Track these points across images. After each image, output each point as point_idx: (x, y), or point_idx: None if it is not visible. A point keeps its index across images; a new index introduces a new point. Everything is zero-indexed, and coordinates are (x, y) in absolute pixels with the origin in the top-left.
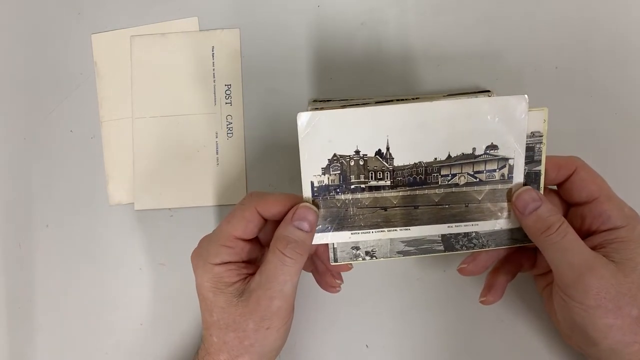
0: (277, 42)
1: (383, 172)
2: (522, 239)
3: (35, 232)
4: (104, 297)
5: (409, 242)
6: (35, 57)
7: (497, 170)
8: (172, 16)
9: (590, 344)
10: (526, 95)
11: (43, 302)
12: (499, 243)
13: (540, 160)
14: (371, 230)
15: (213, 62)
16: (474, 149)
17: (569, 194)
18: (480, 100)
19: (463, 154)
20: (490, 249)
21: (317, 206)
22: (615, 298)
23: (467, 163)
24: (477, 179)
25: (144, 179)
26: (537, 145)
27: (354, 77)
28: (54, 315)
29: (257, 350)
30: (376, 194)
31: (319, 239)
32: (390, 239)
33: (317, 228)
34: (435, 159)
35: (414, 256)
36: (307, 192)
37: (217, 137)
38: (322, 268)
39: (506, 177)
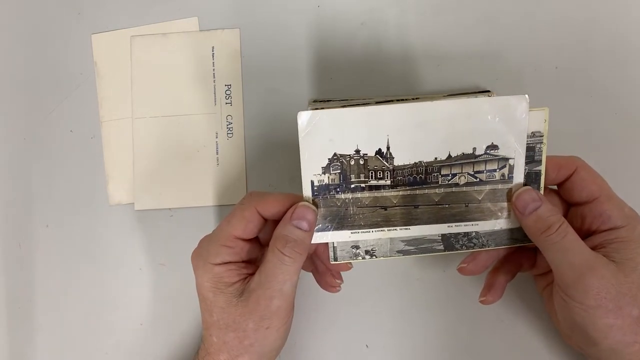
0: (277, 42)
1: (383, 171)
2: (522, 238)
3: (35, 232)
4: (104, 297)
5: (409, 241)
6: (35, 57)
7: (498, 170)
8: (172, 16)
9: (591, 344)
10: (527, 95)
11: (43, 302)
12: (498, 243)
13: (540, 160)
14: (371, 230)
15: (213, 62)
16: (474, 148)
17: (569, 194)
18: (481, 100)
19: (463, 153)
20: (490, 248)
21: (317, 205)
22: (615, 298)
23: (468, 163)
24: (478, 179)
25: (144, 179)
26: (538, 145)
27: (354, 77)
28: (54, 315)
29: (257, 350)
30: (376, 194)
31: (319, 238)
32: (390, 239)
33: (317, 227)
34: (436, 158)
35: (413, 255)
36: (307, 192)
37: (217, 137)
38: (322, 268)
39: (506, 177)
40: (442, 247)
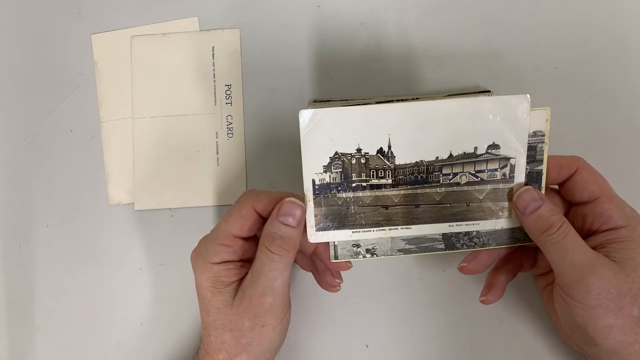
0: (277, 42)
1: (384, 170)
2: (523, 238)
3: (35, 232)
4: (104, 297)
5: (409, 240)
6: (35, 57)
7: (499, 169)
8: (172, 16)
9: (591, 344)
10: (528, 95)
11: (43, 302)
12: (499, 242)
13: (541, 160)
14: (372, 229)
15: (213, 62)
16: (475, 148)
17: (570, 194)
18: (483, 100)
19: (465, 153)
20: (490, 248)
21: (319, 204)
22: (616, 298)
23: (469, 162)
24: (479, 178)
25: (144, 179)
26: (539, 145)
27: (354, 77)
28: (54, 315)
29: (254, 349)
30: (377, 193)
31: (320, 237)
32: (392, 238)
33: (318, 226)
34: (437, 157)
35: (414, 254)
36: (308, 190)
37: (217, 137)
38: (322, 267)
39: (507, 177)
40: (443, 246)
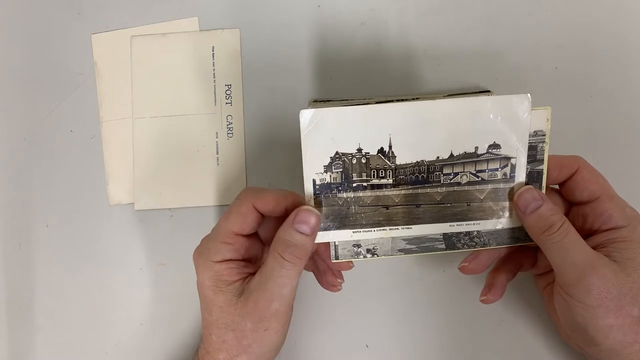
0: (277, 42)
1: (385, 170)
2: (524, 238)
3: (35, 232)
4: (104, 297)
5: (410, 240)
6: (35, 57)
7: (500, 169)
8: (172, 16)
9: (591, 343)
10: (529, 94)
11: (43, 302)
12: (500, 242)
13: (542, 160)
14: (373, 229)
15: (213, 62)
16: (476, 147)
17: (570, 193)
18: (483, 99)
19: (465, 152)
20: (491, 247)
21: (320, 204)
22: (616, 298)
23: (470, 162)
24: (479, 178)
25: (144, 179)
26: (540, 145)
27: (354, 77)
28: (54, 315)
29: (255, 350)
30: (378, 193)
31: (321, 237)
32: (392, 238)
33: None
34: (438, 157)
35: (415, 254)
36: (308, 190)
37: (217, 137)
38: (323, 267)
39: (508, 176)
40: (443, 246)
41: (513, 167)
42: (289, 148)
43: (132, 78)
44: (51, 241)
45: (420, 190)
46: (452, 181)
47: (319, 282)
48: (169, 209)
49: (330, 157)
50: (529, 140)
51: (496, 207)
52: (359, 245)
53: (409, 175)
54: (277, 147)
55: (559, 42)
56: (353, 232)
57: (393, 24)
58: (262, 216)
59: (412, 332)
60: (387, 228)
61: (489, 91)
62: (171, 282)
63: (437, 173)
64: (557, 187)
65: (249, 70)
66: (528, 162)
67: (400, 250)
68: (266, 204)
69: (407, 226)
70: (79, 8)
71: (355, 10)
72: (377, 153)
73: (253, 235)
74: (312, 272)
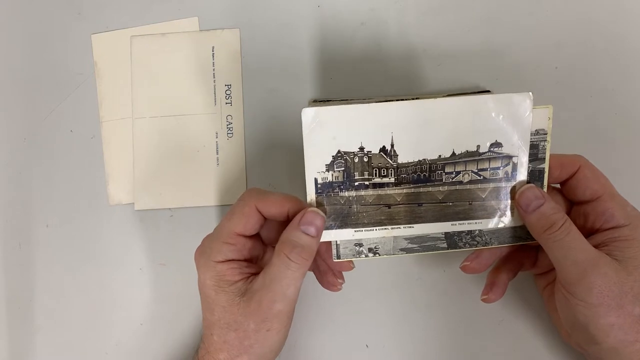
0: (277, 42)
1: (387, 169)
2: (525, 236)
3: (35, 232)
4: (104, 297)
5: (412, 239)
6: (35, 57)
7: (501, 167)
8: (172, 16)
9: (592, 342)
10: (530, 93)
11: (43, 302)
12: (502, 241)
13: (544, 158)
14: (375, 228)
15: (213, 62)
16: (478, 146)
17: (572, 192)
18: (485, 98)
19: (467, 151)
20: (493, 246)
21: (321, 204)
22: (618, 296)
23: (471, 160)
24: (481, 177)
25: (144, 179)
26: (541, 143)
27: (354, 77)
28: (54, 315)
29: (256, 351)
30: (380, 191)
31: (322, 236)
32: (394, 237)
33: None
34: (440, 156)
35: (417, 253)
36: (310, 189)
37: (217, 137)
38: (324, 267)
39: (510, 175)
40: (445, 245)
41: (515, 166)
42: (289, 148)
43: (132, 78)
44: (51, 241)
45: (422, 189)
46: (454, 180)
47: (320, 282)
48: (169, 209)
49: (332, 156)
50: (531, 138)
51: (498, 205)
52: (360, 245)
53: (411, 174)
54: (277, 147)
55: (559, 42)
56: (355, 231)
57: (393, 24)
58: (265, 218)
59: (412, 332)
60: (389, 227)
61: (488, 91)
62: (171, 282)
63: (439, 172)
64: (558, 186)
65: (249, 70)
66: (529, 161)
67: (402, 250)
68: (269, 206)
69: (409, 225)
70: (79, 8)
71: (355, 10)
72: (379, 152)
73: (255, 236)
74: (312, 272)
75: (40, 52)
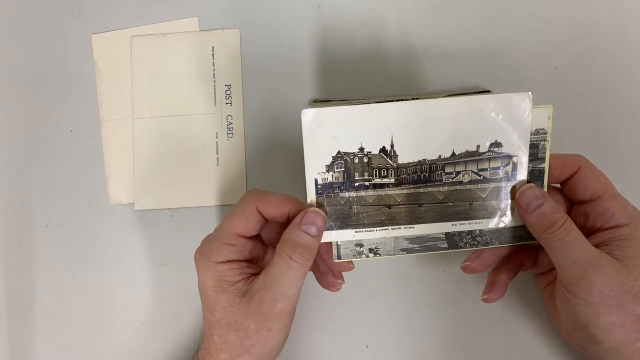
0: (277, 42)
1: (387, 169)
2: (526, 236)
3: (35, 232)
4: (104, 297)
5: (412, 239)
6: (35, 57)
7: (501, 167)
8: (172, 16)
9: (593, 342)
10: (530, 92)
11: (43, 302)
12: (502, 241)
13: (544, 158)
14: (375, 229)
15: (213, 62)
16: (478, 146)
17: (572, 192)
18: (485, 98)
19: (467, 151)
20: (493, 246)
21: (322, 204)
22: (618, 296)
23: (471, 160)
24: (481, 177)
25: (144, 179)
26: (541, 143)
27: (354, 77)
28: (54, 315)
29: (257, 351)
30: (380, 192)
31: (323, 237)
32: (395, 237)
33: None
34: (440, 156)
35: (417, 254)
36: (310, 190)
37: (217, 137)
38: (324, 267)
39: (510, 175)
40: (446, 245)
41: (515, 166)
42: (289, 148)
43: (132, 78)
44: (51, 241)
45: (422, 190)
46: (454, 180)
47: (319, 281)
48: (169, 209)
49: (332, 157)
50: (531, 138)
51: (498, 205)
52: (361, 245)
53: (411, 174)
54: (277, 147)
55: (559, 41)
56: (355, 231)
57: (393, 24)
58: (265, 219)
59: (412, 332)
60: (390, 227)
61: (488, 91)
62: (171, 282)
63: (439, 172)
64: (558, 185)
65: (249, 70)
66: (530, 161)
67: (402, 250)
68: (271, 209)
69: (410, 225)
70: (79, 8)
71: (355, 10)
72: (379, 152)
73: (255, 237)
74: (311, 272)
75: (40, 52)
